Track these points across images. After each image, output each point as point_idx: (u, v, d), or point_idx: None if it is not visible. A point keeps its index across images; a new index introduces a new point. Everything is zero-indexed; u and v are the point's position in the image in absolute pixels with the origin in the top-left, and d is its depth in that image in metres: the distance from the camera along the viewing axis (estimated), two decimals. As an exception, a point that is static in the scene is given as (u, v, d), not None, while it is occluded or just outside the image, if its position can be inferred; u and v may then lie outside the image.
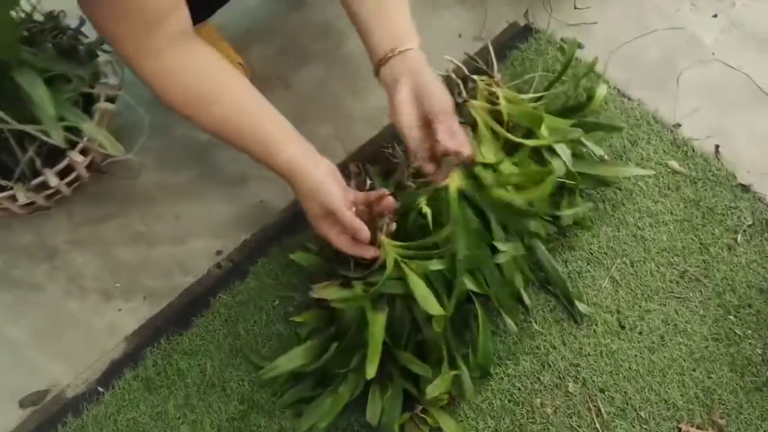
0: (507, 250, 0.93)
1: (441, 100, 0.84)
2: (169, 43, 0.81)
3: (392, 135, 1.14)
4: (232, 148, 0.89)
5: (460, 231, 0.85)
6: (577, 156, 1.04)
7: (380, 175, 1.03)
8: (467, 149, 0.84)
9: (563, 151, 1.02)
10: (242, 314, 1.03)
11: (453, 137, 0.84)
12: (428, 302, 0.82)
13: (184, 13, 0.82)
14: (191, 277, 1.06)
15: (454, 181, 0.88)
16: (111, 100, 1.02)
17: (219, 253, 1.08)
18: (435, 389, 0.84)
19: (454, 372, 0.87)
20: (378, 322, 0.83)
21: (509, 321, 0.95)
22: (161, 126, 1.16)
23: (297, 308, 1.00)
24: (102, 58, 1.02)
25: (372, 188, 0.95)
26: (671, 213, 1.07)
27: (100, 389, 0.99)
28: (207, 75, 0.85)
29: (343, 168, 0.98)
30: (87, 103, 1.00)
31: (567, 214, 1.03)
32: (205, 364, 0.99)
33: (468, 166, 0.88)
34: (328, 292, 0.86)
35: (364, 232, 0.83)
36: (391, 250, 0.86)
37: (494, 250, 0.93)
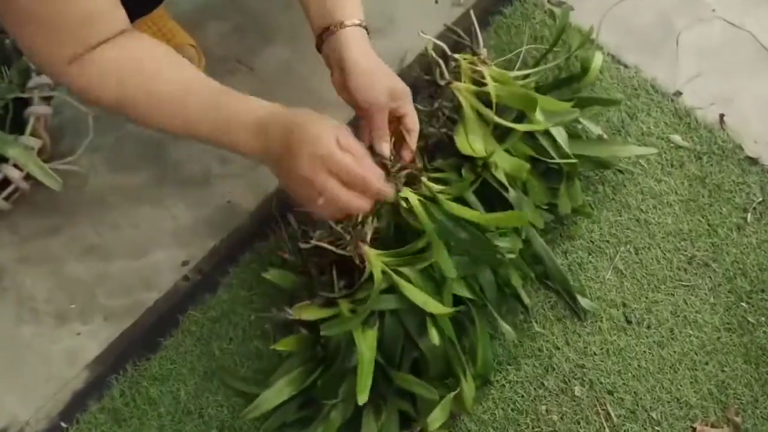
0: (503, 245, 0.84)
1: (368, 95, 0.77)
2: (100, 45, 0.68)
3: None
4: (191, 140, 0.76)
5: (437, 241, 0.76)
6: (572, 135, 0.95)
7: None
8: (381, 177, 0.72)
9: (559, 133, 0.92)
10: (215, 332, 0.93)
11: (379, 139, 0.78)
12: (429, 304, 0.74)
13: (118, 15, 0.69)
14: (156, 293, 0.95)
15: (410, 194, 0.78)
16: (47, 99, 0.89)
17: (185, 263, 0.97)
18: (437, 420, 0.76)
19: (454, 393, 0.79)
20: (368, 342, 0.75)
21: (507, 328, 0.87)
22: (108, 121, 1.03)
23: (275, 325, 0.90)
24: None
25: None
26: (676, 193, 0.99)
27: (63, 425, 0.89)
28: (140, 63, 0.71)
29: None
30: (19, 108, 0.87)
31: (565, 201, 0.94)
32: (178, 390, 0.90)
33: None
34: (309, 312, 0.77)
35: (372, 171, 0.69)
36: (376, 261, 0.77)
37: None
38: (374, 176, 0.69)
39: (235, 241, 0.98)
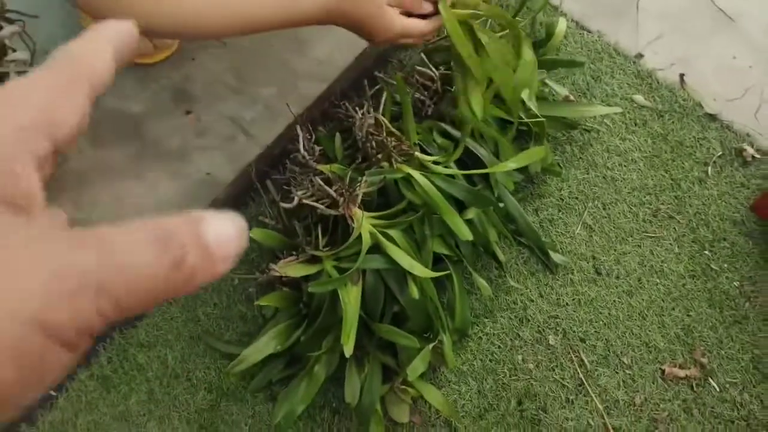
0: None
1: None
2: None
3: (342, 91, 1.07)
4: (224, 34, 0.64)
5: (449, 208, 0.79)
6: (539, 98, 0.98)
7: (333, 135, 0.96)
8: None
9: (527, 96, 0.96)
10: (200, 298, 0.95)
11: None
12: (415, 267, 0.77)
13: None
14: (140, 264, 0.97)
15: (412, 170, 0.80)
16: (23, 75, 0.90)
17: (167, 234, 0.99)
18: (417, 369, 0.79)
19: (433, 344, 0.83)
20: (352, 297, 0.77)
21: (482, 283, 0.90)
22: (87, 99, 1.05)
23: (259, 287, 0.93)
24: (7, 29, 0.90)
25: (321, 153, 0.87)
26: (640, 150, 1.03)
27: (53, 393, 0.91)
28: None
29: (291, 132, 0.90)
30: (-4, 82, 0.88)
31: (535, 161, 0.97)
32: (165, 355, 0.92)
33: None
34: (294, 269, 0.79)
35: None
36: (366, 223, 0.79)
37: (462, 206, 0.88)
38: None
39: (215, 211, 1.00)
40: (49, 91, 0.23)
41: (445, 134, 0.92)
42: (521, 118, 0.96)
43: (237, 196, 1.01)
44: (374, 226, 0.79)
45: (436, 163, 0.85)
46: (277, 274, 0.78)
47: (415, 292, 0.79)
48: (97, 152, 1.05)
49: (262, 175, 1.00)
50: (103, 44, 0.25)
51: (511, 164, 0.85)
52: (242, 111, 1.04)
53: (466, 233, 0.80)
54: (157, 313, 0.95)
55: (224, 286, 0.96)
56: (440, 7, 0.71)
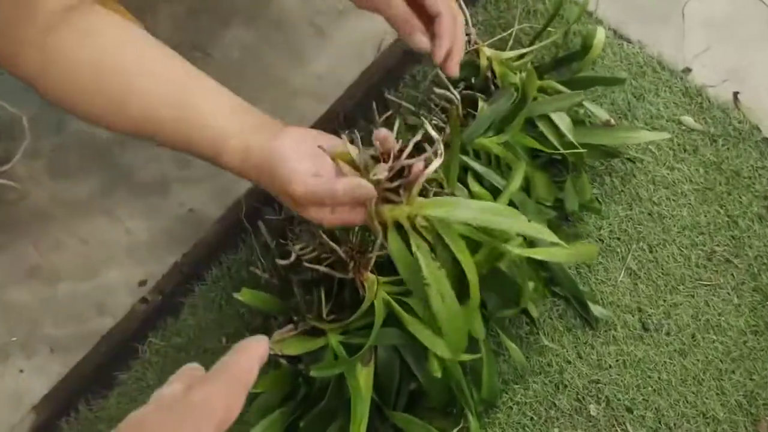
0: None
1: None
2: (55, 23, 0.58)
3: (346, 114, 0.92)
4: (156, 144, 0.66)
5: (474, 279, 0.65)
6: (575, 122, 0.84)
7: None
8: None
9: (562, 120, 0.82)
10: (181, 362, 0.80)
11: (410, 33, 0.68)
12: (439, 346, 0.63)
13: None
14: (110, 319, 0.83)
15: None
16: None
17: (143, 283, 0.85)
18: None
19: (457, 429, 0.69)
20: (363, 381, 0.64)
21: (512, 346, 0.77)
22: (48, 122, 0.90)
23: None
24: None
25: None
26: (690, 181, 0.89)
27: (8, 479, 0.77)
28: (114, 55, 0.61)
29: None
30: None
31: (572, 197, 0.84)
32: (140, 432, 0.78)
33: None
34: (292, 345, 0.65)
35: (355, 188, 0.58)
36: (380, 291, 0.65)
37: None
38: (345, 192, 0.58)
39: (200, 256, 0.86)
40: (228, 398, 0.36)
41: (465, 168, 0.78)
42: (555, 147, 0.82)
43: (225, 238, 0.87)
44: (389, 293, 0.65)
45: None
46: (271, 352, 0.64)
47: (437, 369, 0.65)
48: (60, 184, 0.91)
49: (253, 214, 0.86)
50: (255, 360, 0.39)
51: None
52: (229, 138, 0.89)
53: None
54: (130, 380, 0.81)
55: (210, 345, 0.82)
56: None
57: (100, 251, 0.87)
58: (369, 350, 0.64)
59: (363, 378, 0.64)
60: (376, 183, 0.59)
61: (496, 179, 0.77)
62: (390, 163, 0.60)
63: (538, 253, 0.70)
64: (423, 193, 0.63)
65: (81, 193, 0.90)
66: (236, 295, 0.71)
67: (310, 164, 0.58)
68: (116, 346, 0.82)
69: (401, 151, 0.61)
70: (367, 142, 0.62)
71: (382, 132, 0.60)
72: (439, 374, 0.66)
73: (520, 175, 0.74)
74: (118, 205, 0.89)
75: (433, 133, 0.62)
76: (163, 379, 0.80)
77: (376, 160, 0.61)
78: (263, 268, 0.78)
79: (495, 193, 0.77)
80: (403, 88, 0.93)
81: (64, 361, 0.82)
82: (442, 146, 0.61)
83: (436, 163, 0.60)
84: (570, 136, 0.81)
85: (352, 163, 0.60)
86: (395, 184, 0.60)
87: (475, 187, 0.76)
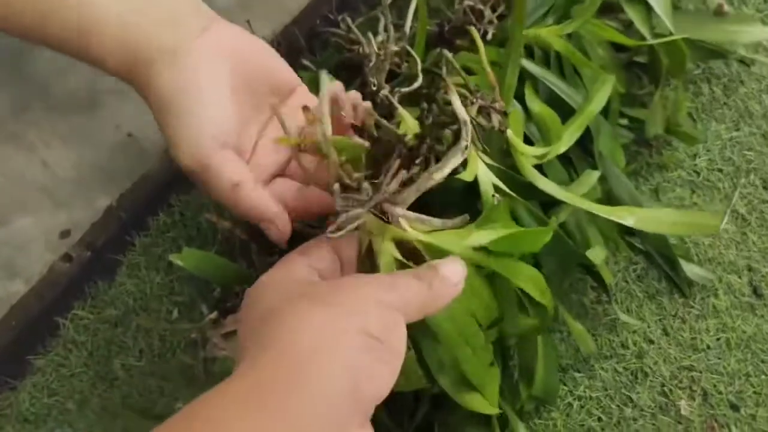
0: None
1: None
2: None
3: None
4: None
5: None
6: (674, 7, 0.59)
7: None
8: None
9: (657, 1, 0.56)
10: (116, 341, 0.60)
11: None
12: (474, 402, 0.40)
13: None
14: (21, 283, 0.61)
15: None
16: None
17: (65, 234, 0.62)
18: None
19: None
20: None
21: (580, 329, 0.54)
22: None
23: (204, 329, 0.57)
24: None
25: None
26: (821, 90, 0.64)
27: None
28: None
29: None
30: None
31: (658, 115, 0.59)
32: (61, 438, 0.57)
33: None
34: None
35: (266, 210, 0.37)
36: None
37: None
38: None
39: (143, 197, 0.63)
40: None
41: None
42: (644, 39, 0.57)
43: (176, 173, 0.63)
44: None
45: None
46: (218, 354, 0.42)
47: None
48: (-45, 102, 0.67)
49: (213, 138, 0.61)
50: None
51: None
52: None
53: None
54: (48, 365, 0.59)
55: (155, 318, 0.60)
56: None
57: (9, 191, 0.64)
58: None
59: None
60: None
61: (561, 87, 0.53)
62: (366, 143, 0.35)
63: (624, 218, 0.46)
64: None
65: (-18, 112, 0.66)
66: (173, 258, 0.48)
67: (230, 118, 0.36)
68: (29, 321, 0.60)
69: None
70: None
71: (333, 87, 0.36)
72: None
73: (605, 91, 0.50)
74: (31, 129, 0.65)
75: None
76: (92, 364, 0.59)
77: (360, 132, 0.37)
78: (222, 215, 0.55)
79: (557, 106, 0.52)
80: None
81: (-40, 340, 0.60)
82: (470, 128, 0.37)
83: (453, 162, 0.36)
84: (669, 24, 0.56)
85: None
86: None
87: (535, 103, 0.51)
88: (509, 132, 0.43)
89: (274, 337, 0.29)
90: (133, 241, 0.62)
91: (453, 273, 0.33)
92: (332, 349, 0.28)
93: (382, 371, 0.29)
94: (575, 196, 0.47)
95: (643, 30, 0.56)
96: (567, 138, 0.48)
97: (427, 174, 0.35)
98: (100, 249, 0.62)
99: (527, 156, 0.45)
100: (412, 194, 0.35)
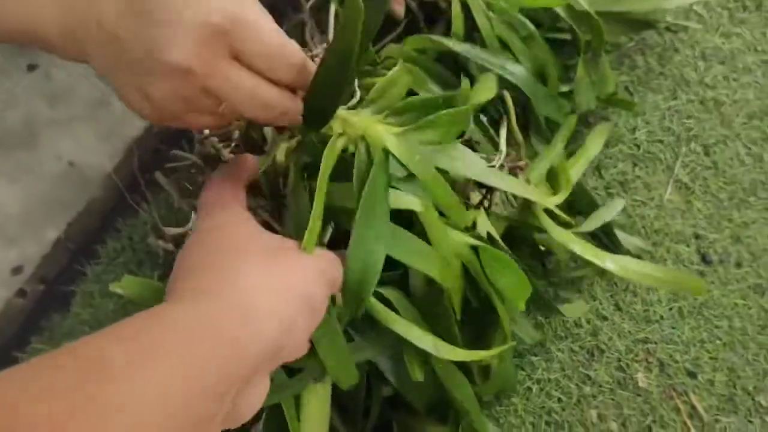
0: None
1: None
2: None
3: None
4: None
5: None
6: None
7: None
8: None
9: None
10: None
11: None
12: (443, 347, 0.41)
13: None
14: (-23, 324, 0.61)
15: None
16: None
17: (17, 271, 0.63)
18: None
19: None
20: (318, 406, 0.42)
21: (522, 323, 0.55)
22: None
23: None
24: None
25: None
26: (755, 50, 0.64)
27: None
28: None
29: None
30: None
31: (586, 91, 0.59)
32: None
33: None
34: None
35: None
36: None
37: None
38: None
39: (90, 225, 0.63)
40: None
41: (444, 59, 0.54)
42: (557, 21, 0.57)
43: (121, 198, 0.64)
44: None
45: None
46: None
47: (417, 373, 0.43)
48: None
49: (153, 159, 0.62)
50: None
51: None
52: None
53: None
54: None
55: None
56: None
57: (-44, 232, 0.64)
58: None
59: (316, 402, 0.41)
60: None
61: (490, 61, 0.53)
62: None
63: (597, 257, 0.47)
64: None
65: None
66: (114, 288, 0.48)
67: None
68: (-11, 359, 0.60)
69: None
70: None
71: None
72: (420, 377, 0.44)
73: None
74: (-27, 167, 0.65)
75: None
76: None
77: None
78: (165, 238, 0.55)
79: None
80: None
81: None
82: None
83: None
84: (584, 2, 0.56)
85: None
86: None
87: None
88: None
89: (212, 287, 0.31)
90: (84, 270, 0.62)
91: None
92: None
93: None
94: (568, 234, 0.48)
95: (561, 11, 0.55)
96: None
97: None
98: (53, 281, 0.62)
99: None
100: None
